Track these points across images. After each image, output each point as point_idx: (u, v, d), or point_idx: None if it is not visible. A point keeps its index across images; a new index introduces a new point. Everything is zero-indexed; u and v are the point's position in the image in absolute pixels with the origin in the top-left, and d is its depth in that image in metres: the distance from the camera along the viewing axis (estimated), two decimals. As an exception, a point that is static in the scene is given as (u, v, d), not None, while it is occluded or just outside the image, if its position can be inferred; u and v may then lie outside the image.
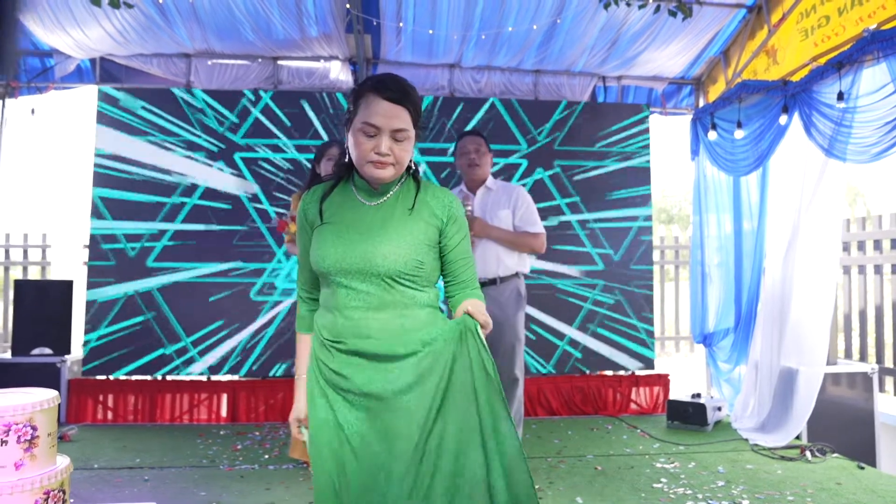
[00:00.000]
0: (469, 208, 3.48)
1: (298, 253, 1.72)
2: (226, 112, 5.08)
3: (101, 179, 4.96)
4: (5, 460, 1.99)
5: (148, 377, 4.92)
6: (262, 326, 4.99)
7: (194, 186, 5.02)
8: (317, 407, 1.59)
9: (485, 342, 1.57)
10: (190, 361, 4.93)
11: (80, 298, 4.91)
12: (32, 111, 4.89)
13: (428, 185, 1.68)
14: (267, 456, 3.96)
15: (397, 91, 1.54)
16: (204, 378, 4.95)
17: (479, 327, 1.57)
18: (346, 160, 1.66)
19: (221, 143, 5.06)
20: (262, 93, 5.13)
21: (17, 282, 4.94)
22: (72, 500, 2.91)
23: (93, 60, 5.19)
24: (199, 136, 5.05)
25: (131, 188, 4.98)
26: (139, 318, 4.92)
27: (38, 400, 2.07)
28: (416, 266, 1.56)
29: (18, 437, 2.00)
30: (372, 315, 1.55)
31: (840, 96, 3.70)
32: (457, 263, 1.66)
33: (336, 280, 1.56)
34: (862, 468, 3.70)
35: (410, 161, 1.62)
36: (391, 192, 1.63)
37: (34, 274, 6.13)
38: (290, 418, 1.70)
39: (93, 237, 4.95)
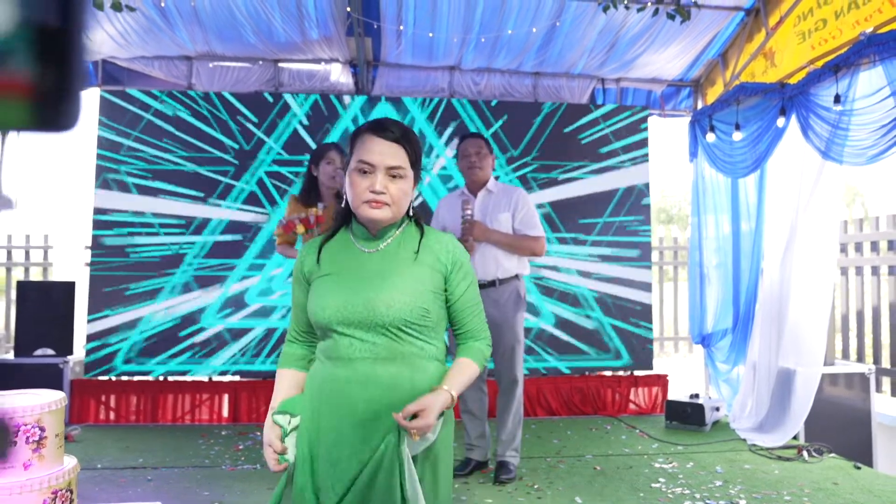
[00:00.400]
0: (469, 212, 3.48)
1: (293, 302, 1.64)
2: (224, 115, 5.12)
3: (102, 181, 4.99)
4: (14, 460, 2.02)
5: (150, 378, 4.95)
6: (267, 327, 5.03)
7: (198, 187, 5.06)
8: (301, 470, 1.49)
9: (410, 466, 1.41)
10: (194, 362, 4.96)
11: (81, 299, 4.94)
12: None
13: (430, 230, 1.60)
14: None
15: (393, 130, 1.51)
16: (205, 379, 4.98)
17: (403, 442, 1.41)
18: (344, 205, 1.59)
19: (229, 144, 5.10)
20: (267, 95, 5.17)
21: (19, 283, 4.97)
22: (77, 500, 2.94)
23: (94, 63, 5.22)
24: (201, 136, 5.08)
25: (133, 189, 5.01)
26: (142, 318, 4.95)
27: (46, 401, 2.10)
28: (422, 315, 1.48)
29: (27, 437, 2.03)
30: (380, 366, 1.46)
31: (837, 99, 3.74)
32: (463, 313, 1.58)
33: (338, 331, 1.48)
34: (858, 468, 3.74)
35: (410, 205, 1.56)
36: (391, 237, 1.56)
37: (36, 275, 6.16)
38: (264, 442, 1.53)
39: (95, 238, 4.99)
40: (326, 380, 1.49)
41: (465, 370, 1.54)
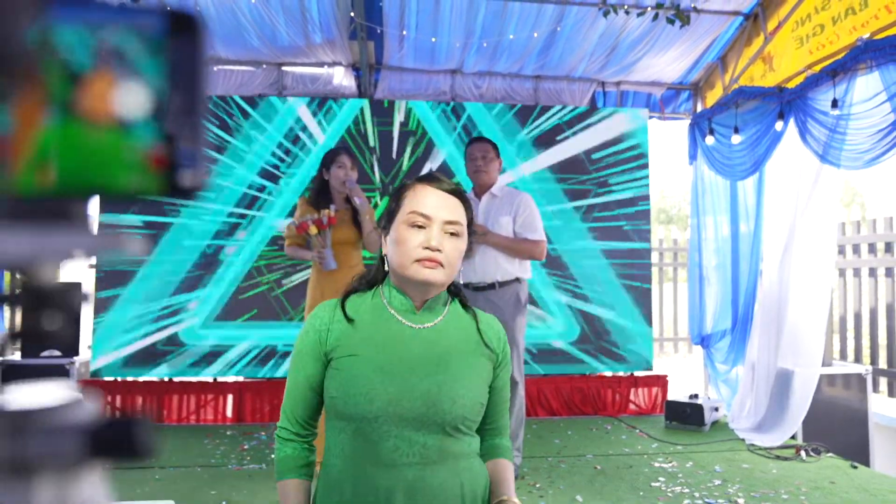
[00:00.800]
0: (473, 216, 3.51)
1: (292, 382, 1.34)
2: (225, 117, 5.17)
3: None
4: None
5: (155, 378, 5.00)
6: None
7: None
8: None
9: None
10: (199, 363, 5.01)
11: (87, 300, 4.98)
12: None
13: (478, 310, 1.41)
14: (273, 456, 4.03)
15: (450, 183, 1.34)
16: (210, 379, 5.03)
17: None
18: (378, 264, 1.38)
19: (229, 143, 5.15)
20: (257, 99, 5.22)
21: (24, 283, 5.01)
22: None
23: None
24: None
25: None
26: (147, 318, 5.00)
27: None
28: (480, 411, 1.31)
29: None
30: (430, 472, 1.23)
31: (834, 103, 3.79)
32: (500, 406, 1.40)
33: (382, 429, 1.22)
34: (855, 467, 3.79)
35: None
36: (441, 314, 1.34)
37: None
38: None
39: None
40: (360, 492, 1.22)
41: (511, 473, 1.38)
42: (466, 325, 1.36)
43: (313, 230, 3.38)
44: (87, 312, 5.02)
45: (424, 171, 5.25)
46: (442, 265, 1.27)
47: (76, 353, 4.86)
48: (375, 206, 5.07)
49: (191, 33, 0.30)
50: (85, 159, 0.28)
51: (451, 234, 1.29)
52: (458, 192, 1.34)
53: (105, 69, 0.28)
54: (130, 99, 0.29)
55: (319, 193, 3.55)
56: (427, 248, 1.25)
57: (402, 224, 1.29)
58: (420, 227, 1.27)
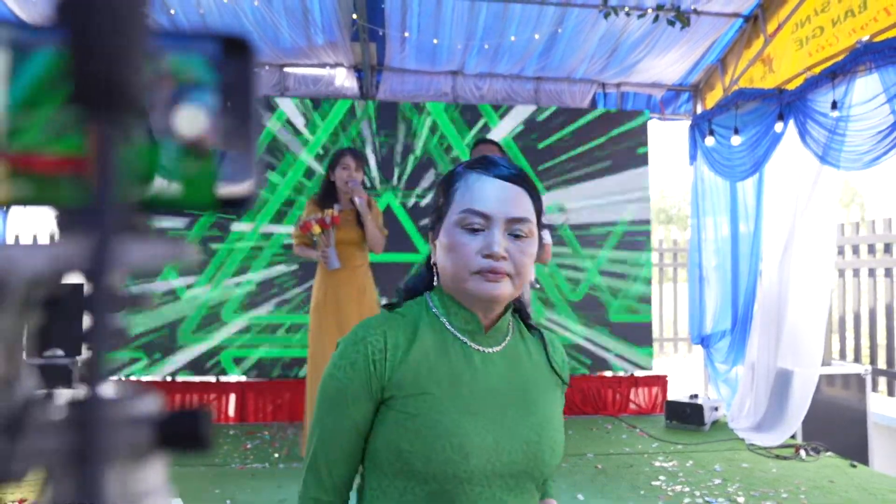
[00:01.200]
0: None
1: (322, 436, 1.02)
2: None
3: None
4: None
5: (158, 378, 5.02)
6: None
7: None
8: None
9: None
10: (203, 364, 5.03)
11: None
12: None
13: (542, 328, 1.17)
14: (277, 455, 4.06)
15: (512, 167, 1.05)
16: (212, 379, 5.05)
17: None
18: (425, 271, 1.12)
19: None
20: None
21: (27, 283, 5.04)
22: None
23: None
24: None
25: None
26: (149, 318, 5.02)
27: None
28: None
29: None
30: None
31: (834, 105, 3.82)
32: None
33: (473, 492, 0.95)
34: (854, 466, 3.82)
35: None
36: (506, 333, 1.08)
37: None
38: None
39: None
40: None
41: None
42: (534, 347, 1.11)
43: (316, 230, 3.43)
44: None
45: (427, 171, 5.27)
46: (509, 275, 1.00)
47: (79, 352, 4.88)
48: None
49: (242, 55, 0.33)
50: (151, 175, 0.31)
51: (517, 235, 1.01)
52: (522, 180, 1.04)
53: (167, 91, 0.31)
54: (189, 119, 0.31)
55: (326, 194, 3.60)
56: (488, 255, 0.98)
57: (453, 226, 1.01)
58: (477, 230, 1.00)
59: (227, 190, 0.32)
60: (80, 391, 0.24)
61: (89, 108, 0.21)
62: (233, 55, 0.33)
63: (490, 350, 1.04)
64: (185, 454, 0.31)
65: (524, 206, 1.02)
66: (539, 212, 1.05)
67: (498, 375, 1.03)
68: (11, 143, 0.31)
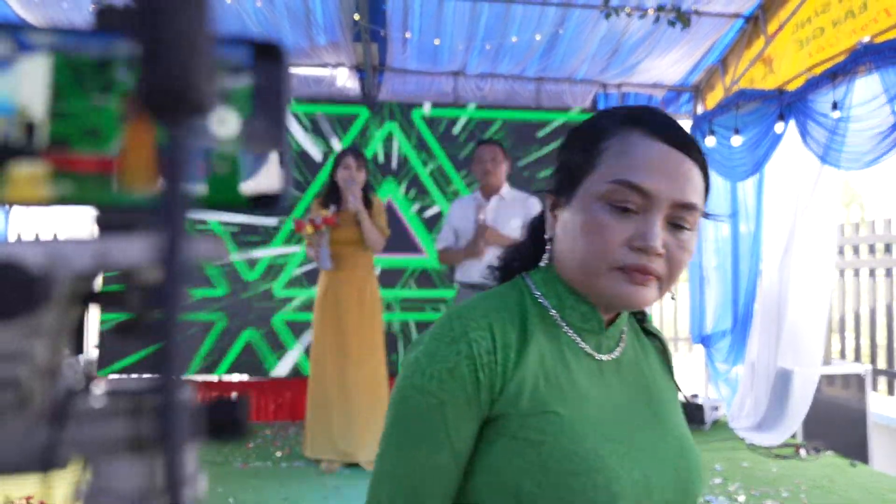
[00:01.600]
0: (482, 217, 3.55)
1: (425, 463, 0.74)
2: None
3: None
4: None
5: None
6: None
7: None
8: None
9: None
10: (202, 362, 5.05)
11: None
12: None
13: (653, 325, 0.96)
14: (279, 454, 4.08)
15: (680, 131, 0.77)
16: (214, 378, 5.06)
17: None
18: (530, 248, 0.89)
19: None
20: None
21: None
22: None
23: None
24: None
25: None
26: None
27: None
28: None
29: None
30: None
31: (834, 106, 3.83)
32: None
33: None
34: (854, 466, 3.83)
35: None
36: (623, 333, 0.86)
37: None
38: None
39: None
40: None
41: None
42: (648, 349, 0.91)
43: (308, 230, 3.47)
44: (93, 311, 5.05)
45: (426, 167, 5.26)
46: (659, 280, 0.76)
47: (81, 350, 4.88)
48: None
49: (274, 60, 0.34)
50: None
51: (681, 226, 0.76)
52: (698, 151, 0.78)
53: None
54: (223, 121, 0.33)
55: (329, 194, 3.63)
56: (640, 248, 0.73)
57: (595, 200, 0.76)
58: (630, 210, 0.74)
59: (255, 189, 0.33)
60: (155, 380, 0.25)
61: (162, 114, 0.22)
62: (265, 59, 0.34)
63: (608, 357, 0.82)
64: (224, 441, 0.32)
65: (698, 188, 0.76)
66: (707, 188, 0.80)
67: (620, 387, 0.82)
68: (53, 144, 0.32)
